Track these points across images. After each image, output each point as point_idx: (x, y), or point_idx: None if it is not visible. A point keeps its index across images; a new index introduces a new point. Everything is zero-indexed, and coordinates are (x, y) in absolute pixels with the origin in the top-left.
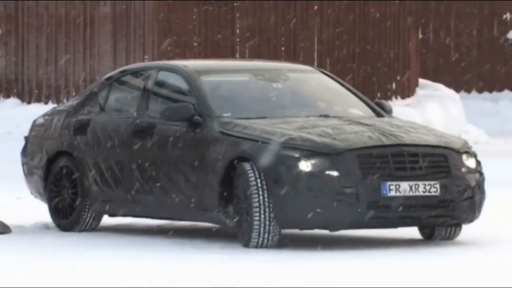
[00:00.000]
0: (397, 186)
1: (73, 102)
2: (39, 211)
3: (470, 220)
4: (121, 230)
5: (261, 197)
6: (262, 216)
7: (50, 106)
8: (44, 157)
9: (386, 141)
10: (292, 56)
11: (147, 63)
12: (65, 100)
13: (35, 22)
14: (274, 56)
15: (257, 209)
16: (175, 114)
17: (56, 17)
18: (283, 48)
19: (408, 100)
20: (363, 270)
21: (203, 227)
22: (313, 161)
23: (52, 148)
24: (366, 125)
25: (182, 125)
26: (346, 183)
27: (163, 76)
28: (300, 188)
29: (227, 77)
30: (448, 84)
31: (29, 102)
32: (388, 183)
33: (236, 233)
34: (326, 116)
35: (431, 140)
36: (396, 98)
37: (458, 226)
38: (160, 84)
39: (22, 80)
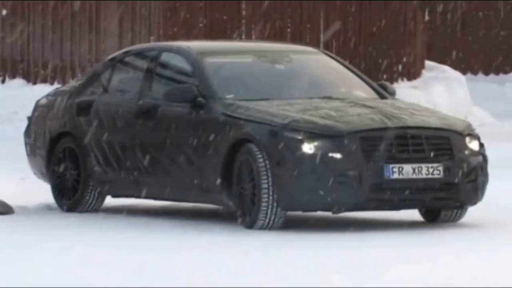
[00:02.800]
0: (400, 169)
1: (76, 82)
2: (42, 192)
3: (473, 202)
4: (123, 211)
5: (270, 178)
6: (271, 197)
7: (56, 86)
8: (47, 137)
9: (389, 123)
10: (298, 38)
11: (150, 44)
12: (70, 81)
13: (41, 2)
14: (280, 38)
15: (266, 190)
16: (178, 95)
17: None
18: (289, 30)
19: (414, 82)
20: (366, 252)
21: (206, 208)
22: (316, 143)
23: (55, 128)
24: (369, 107)
25: (185, 106)
26: (349, 166)
27: (166, 57)
28: (303, 170)
29: (230, 59)
30: (455, 66)
31: (34, 83)
32: (391, 165)
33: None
34: (329, 98)
35: (434, 122)
36: (402, 80)
37: (461, 208)
38: (163, 65)
39: (28, 60)
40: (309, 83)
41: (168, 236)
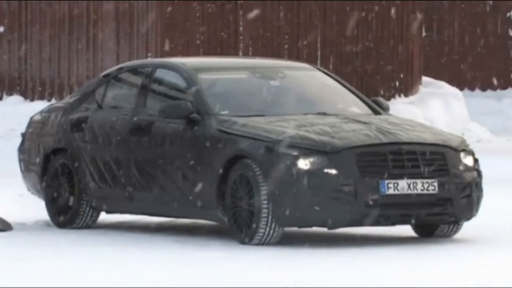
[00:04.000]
0: (396, 184)
1: (70, 99)
2: (41, 208)
3: (468, 218)
4: (120, 227)
5: (267, 194)
6: (268, 213)
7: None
8: (41, 154)
9: (384, 139)
10: (295, 54)
11: (144, 60)
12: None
13: (38, 19)
14: (277, 54)
15: (265, 206)
16: (173, 111)
17: (59, 14)
18: (286, 46)
19: (411, 98)
20: (361, 268)
21: (203, 224)
22: (311, 159)
23: (49, 145)
24: (364, 123)
25: (180, 122)
26: (344, 181)
27: (160, 73)
28: (298, 186)
29: (225, 75)
30: (451, 82)
31: (32, 99)
32: (387, 181)
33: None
34: (324, 114)
35: (429, 138)
36: (399, 96)
37: (456, 223)
38: (157, 81)
39: (26, 77)
40: (304, 99)
41: (166, 251)
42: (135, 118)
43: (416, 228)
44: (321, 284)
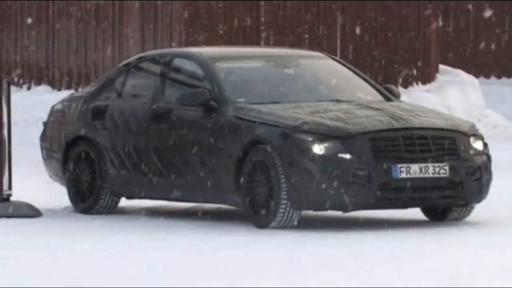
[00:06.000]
0: (408, 168)
1: (90, 88)
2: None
3: (478, 200)
4: (142, 212)
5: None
6: (286, 197)
7: None
8: (63, 142)
9: (396, 125)
10: (315, 43)
11: (162, 50)
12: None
13: (64, 10)
14: (298, 44)
15: (284, 191)
16: (191, 99)
17: (86, 6)
18: (306, 36)
19: (428, 86)
20: (376, 250)
21: (226, 210)
22: (326, 144)
23: (70, 133)
24: (377, 109)
25: (198, 110)
26: (358, 166)
27: (178, 62)
28: (313, 170)
29: (241, 64)
30: (468, 70)
31: (59, 89)
32: (399, 165)
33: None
34: (337, 100)
35: (440, 123)
36: (417, 83)
37: (466, 206)
38: (175, 70)
39: (53, 67)
40: (317, 86)
41: (191, 236)
42: (154, 106)
43: (426, 212)
44: (337, 266)
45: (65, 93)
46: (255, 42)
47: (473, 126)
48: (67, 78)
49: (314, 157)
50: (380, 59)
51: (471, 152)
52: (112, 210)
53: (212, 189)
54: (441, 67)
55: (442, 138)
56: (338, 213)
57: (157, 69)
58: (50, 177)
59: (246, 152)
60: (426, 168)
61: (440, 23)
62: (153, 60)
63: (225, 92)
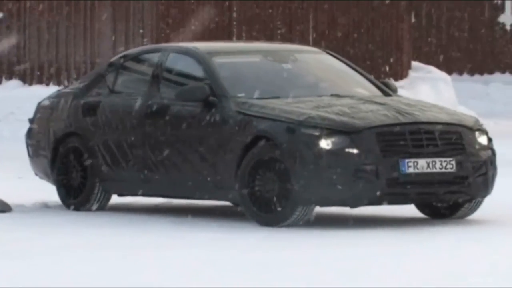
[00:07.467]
0: (415, 163)
1: (79, 84)
2: (39, 190)
3: (483, 195)
4: (121, 209)
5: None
6: (296, 194)
7: (52, 87)
8: (52, 138)
9: (403, 119)
10: (288, 39)
11: (157, 45)
12: (66, 82)
13: (36, 5)
14: (270, 40)
15: (290, 186)
16: (190, 94)
17: (57, 0)
18: (279, 32)
19: (401, 82)
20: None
21: (200, 206)
22: (333, 139)
23: (59, 129)
24: (380, 104)
25: (196, 105)
26: (366, 161)
27: (174, 58)
28: (320, 165)
29: (238, 58)
30: (440, 67)
31: (30, 84)
32: (406, 160)
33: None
34: (337, 95)
35: (445, 118)
36: (389, 80)
37: (471, 202)
38: (171, 65)
39: (24, 62)
40: (316, 81)
41: (162, 233)
42: (149, 102)
43: (427, 209)
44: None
45: (36, 88)
46: (227, 38)
47: (477, 120)
48: (38, 73)
49: (321, 152)
50: (352, 55)
51: (477, 147)
52: (104, 207)
53: (212, 186)
54: (414, 63)
55: (448, 132)
56: (340, 209)
57: (150, 64)
58: (36, 174)
59: (249, 148)
60: (433, 163)
61: (413, 20)
62: (145, 55)
63: (224, 87)
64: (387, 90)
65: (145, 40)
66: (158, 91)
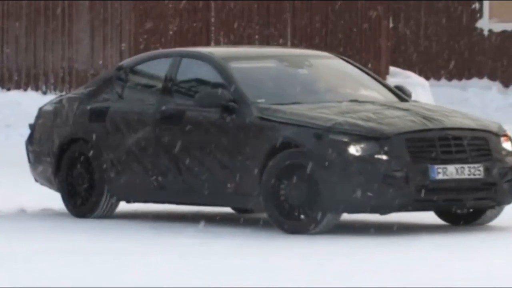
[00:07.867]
0: (444, 169)
1: (84, 90)
2: (16, 196)
3: (510, 201)
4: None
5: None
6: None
7: (30, 92)
8: (56, 144)
9: (430, 125)
10: (265, 44)
11: (169, 50)
12: (43, 87)
13: (14, 10)
14: (248, 43)
15: (317, 193)
16: (210, 100)
17: (35, 6)
18: (257, 37)
19: None
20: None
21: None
22: (362, 145)
23: (64, 135)
24: (403, 109)
25: (214, 111)
26: (395, 167)
27: (187, 63)
28: (350, 172)
29: (253, 64)
30: (418, 72)
31: (8, 89)
32: (436, 166)
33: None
34: (356, 101)
35: (471, 123)
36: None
37: (495, 208)
38: (184, 71)
39: (2, 67)
40: (333, 86)
41: (144, 240)
42: (163, 108)
43: (446, 216)
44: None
45: (14, 93)
46: (206, 43)
47: (501, 126)
48: (16, 78)
49: (350, 158)
50: None
51: (503, 152)
52: (111, 214)
53: (233, 192)
54: (392, 69)
55: (475, 138)
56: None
57: (162, 69)
58: (37, 181)
59: (273, 154)
60: (462, 169)
61: (391, 25)
62: (156, 60)
63: (244, 93)
64: (403, 95)
65: (123, 45)
66: (171, 97)
